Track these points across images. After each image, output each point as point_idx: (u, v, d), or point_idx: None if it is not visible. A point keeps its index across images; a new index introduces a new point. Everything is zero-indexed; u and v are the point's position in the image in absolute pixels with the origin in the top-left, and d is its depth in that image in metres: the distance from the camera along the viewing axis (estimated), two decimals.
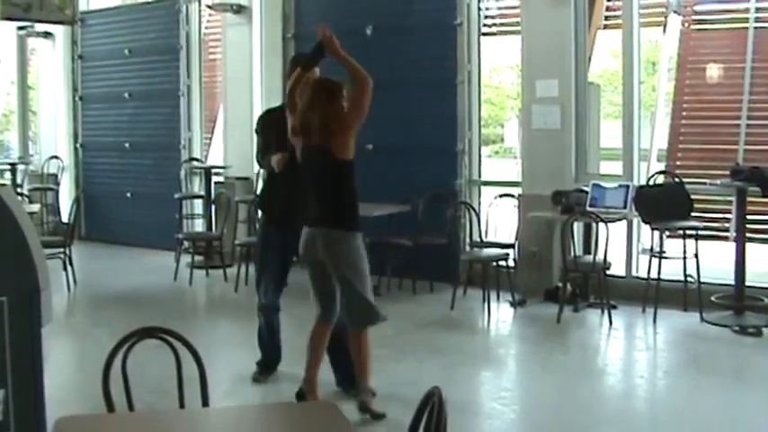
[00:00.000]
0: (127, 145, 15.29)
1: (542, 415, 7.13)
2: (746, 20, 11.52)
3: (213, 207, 13.44)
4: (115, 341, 4.04)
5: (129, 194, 15.29)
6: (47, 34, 16.17)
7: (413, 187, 11.54)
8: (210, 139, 15.16)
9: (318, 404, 4.03)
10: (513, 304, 10.56)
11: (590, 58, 11.91)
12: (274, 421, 3.91)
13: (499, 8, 12.48)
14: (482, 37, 12.06)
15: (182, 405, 4.13)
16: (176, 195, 13.83)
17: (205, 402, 4.08)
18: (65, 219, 14.44)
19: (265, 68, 13.55)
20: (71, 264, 11.51)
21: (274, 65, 13.39)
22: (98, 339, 8.68)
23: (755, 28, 11.44)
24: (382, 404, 6.71)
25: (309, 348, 6.94)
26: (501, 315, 10.43)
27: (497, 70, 27.47)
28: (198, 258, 12.68)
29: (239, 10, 13.50)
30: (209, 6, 14.26)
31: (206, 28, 14.97)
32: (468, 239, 11.60)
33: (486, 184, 12.30)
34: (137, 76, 15.14)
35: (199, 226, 14.20)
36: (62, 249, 11.40)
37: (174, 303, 11.11)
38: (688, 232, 9.93)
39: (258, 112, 13.47)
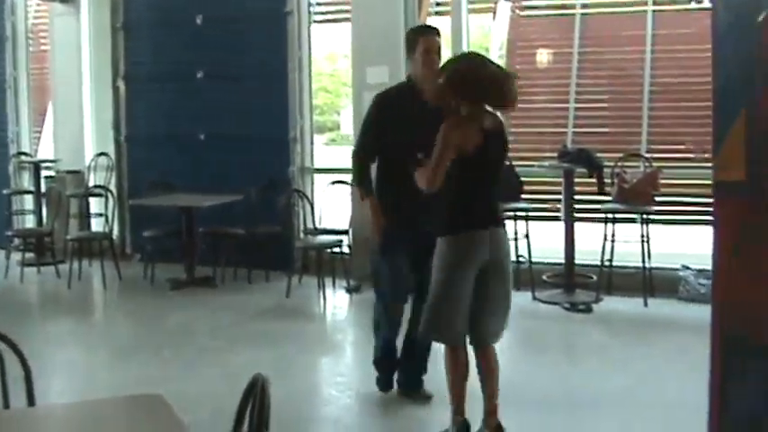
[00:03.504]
0: None
1: (378, 399, 7.17)
2: (573, 6, 11.79)
3: (43, 202, 13.15)
4: None
5: None
6: None
7: (246, 176, 11.48)
8: (41, 132, 14.82)
9: (146, 397, 3.95)
10: (348, 290, 10.62)
11: None
12: (100, 417, 3.84)
13: None
14: (313, 25, 12.07)
15: (6, 405, 4.04)
16: (5, 191, 13.51)
17: (31, 402, 3.99)
18: None
19: (94, 59, 13.29)
20: None
21: (104, 55, 13.14)
22: None
23: (582, 14, 11.72)
24: (220, 396, 6.67)
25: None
26: (337, 301, 10.50)
27: (333, 58, 27.49)
28: (29, 255, 12.38)
29: None
30: None
31: (34, 18, 14.61)
32: (302, 227, 11.61)
33: (320, 171, 12.32)
34: None
35: (29, 222, 13.85)
36: None
37: (4, 302, 10.81)
38: (519, 214, 10.13)
39: (88, 104, 13.25)
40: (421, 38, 6.41)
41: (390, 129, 6.56)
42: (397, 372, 7.00)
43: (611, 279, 10.05)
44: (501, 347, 6.19)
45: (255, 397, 3.14)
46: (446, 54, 7.24)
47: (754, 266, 3.49)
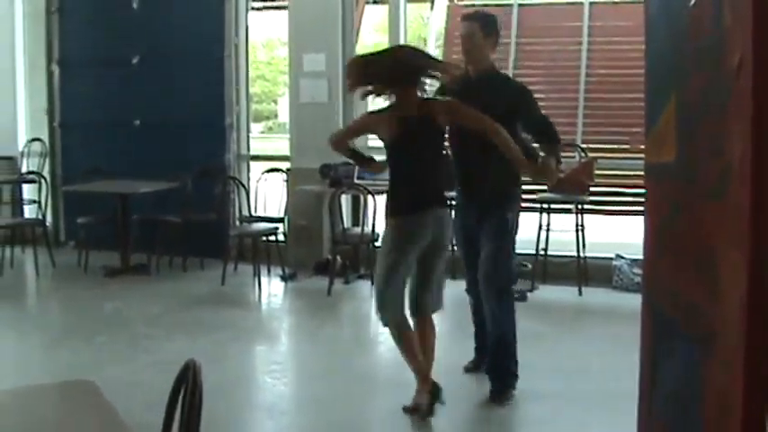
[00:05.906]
0: None
1: (313, 386, 7.17)
2: None
3: None
4: None
5: None
6: None
7: (181, 163, 11.39)
8: None
9: (78, 384, 3.92)
10: (283, 278, 10.59)
11: (357, 32, 12.01)
12: (31, 403, 3.80)
13: None
14: (251, 11, 12.03)
15: None
16: None
17: None
18: None
19: (28, 43, 13.13)
20: None
21: (38, 40, 12.96)
22: None
23: (519, 5, 11.78)
24: (154, 383, 6.63)
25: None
26: (272, 289, 10.46)
27: (271, 46, 27.39)
28: None
29: None
30: None
31: None
32: (237, 215, 11.55)
33: (256, 158, 12.30)
34: None
35: None
36: None
37: None
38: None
39: (21, 89, 13.09)
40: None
41: None
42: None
43: (546, 268, 10.14)
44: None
45: (187, 382, 3.12)
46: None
47: (678, 251, 3.51)
